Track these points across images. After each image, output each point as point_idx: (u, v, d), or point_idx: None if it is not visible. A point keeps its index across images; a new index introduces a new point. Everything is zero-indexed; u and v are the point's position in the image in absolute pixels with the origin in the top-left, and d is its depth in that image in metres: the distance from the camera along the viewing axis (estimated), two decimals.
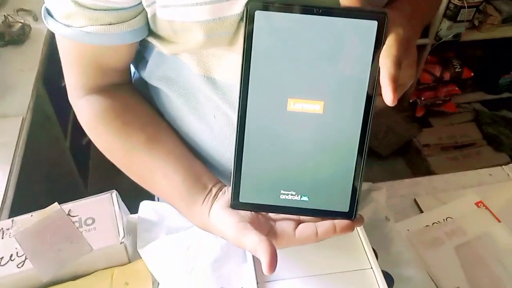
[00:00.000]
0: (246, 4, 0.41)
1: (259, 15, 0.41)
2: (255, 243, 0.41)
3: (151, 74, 0.57)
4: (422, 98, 2.08)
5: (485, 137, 2.09)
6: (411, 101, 2.11)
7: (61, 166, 1.21)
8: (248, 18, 0.41)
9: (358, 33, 0.40)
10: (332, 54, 0.41)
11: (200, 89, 0.54)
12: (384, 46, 0.40)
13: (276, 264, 0.40)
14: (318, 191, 0.45)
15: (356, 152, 0.43)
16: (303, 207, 0.45)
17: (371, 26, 0.40)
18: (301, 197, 0.45)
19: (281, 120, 0.43)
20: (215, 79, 0.51)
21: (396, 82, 0.38)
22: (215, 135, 0.58)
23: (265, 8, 0.41)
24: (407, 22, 0.43)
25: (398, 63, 0.39)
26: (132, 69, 0.63)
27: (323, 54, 0.41)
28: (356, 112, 0.42)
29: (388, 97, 0.38)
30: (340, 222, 0.44)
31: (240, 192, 0.45)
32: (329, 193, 0.45)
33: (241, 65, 0.42)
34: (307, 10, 0.40)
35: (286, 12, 0.41)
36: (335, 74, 0.42)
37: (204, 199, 0.50)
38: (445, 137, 2.07)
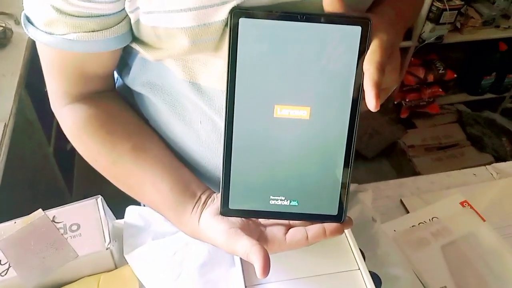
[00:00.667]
0: (230, 12, 0.41)
1: (243, 22, 0.41)
2: (247, 248, 0.41)
3: (135, 80, 0.56)
4: (407, 100, 2.10)
5: (469, 137, 2.12)
6: (395, 102, 2.13)
7: (45, 172, 1.19)
8: (233, 26, 0.41)
9: (342, 39, 0.41)
10: (317, 60, 0.42)
11: (185, 95, 0.53)
12: (368, 52, 0.40)
13: (270, 268, 0.40)
14: (307, 195, 0.45)
15: (343, 156, 0.44)
16: (293, 211, 0.46)
17: (355, 31, 0.41)
18: (290, 202, 0.45)
19: (269, 127, 0.43)
20: (201, 85, 0.51)
21: (378, 88, 0.39)
22: (202, 141, 0.57)
23: (249, 15, 0.41)
24: (390, 26, 0.43)
25: (382, 69, 0.39)
26: (115, 75, 0.62)
27: (308, 60, 0.42)
28: (342, 116, 0.43)
29: (371, 102, 0.39)
30: (330, 225, 0.44)
31: (230, 199, 0.45)
32: (318, 197, 0.45)
33: (227, 72, 0.42)
34: (291, 17, 0.41)
35: (270, 19, 0.41)
36: (320, 80, 0.42)
37: (193, 208, 0.50)
38: (429, 138, 2.10)
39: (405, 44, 1.90)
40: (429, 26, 1.86)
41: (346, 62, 0.41)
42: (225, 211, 0.46)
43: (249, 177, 0.45)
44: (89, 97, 0.55)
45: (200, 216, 0.48)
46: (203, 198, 0.50)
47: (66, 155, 1.35)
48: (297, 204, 0.45)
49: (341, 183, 0.45)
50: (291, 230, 0.45)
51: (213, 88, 0.51)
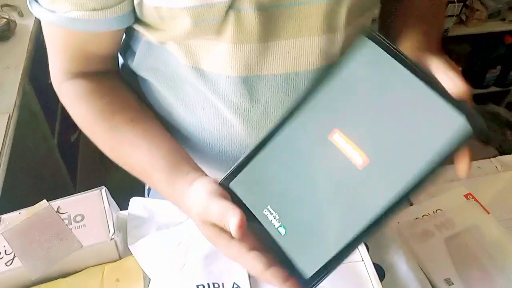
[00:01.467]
0: (361, 30, 0.41)
1: (364, 41, 0.40)
2: (226, 208, 0.39)
3: (139, 65, 0.56)
4: None
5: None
6: None
7: (49, 164, 1.20)
8: (355, 41, 0.40)
9: (442, 117, 0.36)
10: (407, 121, 0.37)
11: (189, 81, 0.53)
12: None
13: (245, 228, 0.38)
14: (298, 235, 0.39)
15: (363, 228, 0.37)
16: (273, 237, 0.40)
17: (456, 119, 0.35)
18: (279, 226, 0.40)
19: (315, 143, 0.40)
20: (204, 70, 0.51)
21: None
22: (204, 127, 0.57)
23: (374, 39, 0.40)
24: (434, 46, 0.44)
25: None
26: (121, 60, 0.62)
27: (399, 114, 0.38)
28: (391, 190, 0.37)
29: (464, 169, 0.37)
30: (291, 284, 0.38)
31: (235, 178, 0.43)
32: (307, 245, 0.39)
33: (324, 73, 0.40)
34: (410, 66, 0.38)
35: (388, 53, 0.39)
36: (396, 141, 0.37)
37: (187, 175, 0.48)
38: None
39: None
40: None
41: (433, 142, 0.36)
42: (224, 183, 0.43)
43: (263, 175, 0.42)
44: (91, 75, 0.55)
45: (193, 180, 0.46)
46: (197, 174, 0.48)
47: (70, 148, 1.35)
48: (283, 233, 0.40)
49: (340, 251, 0.37)
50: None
51: (216, 73, 0.51)
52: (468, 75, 2.19)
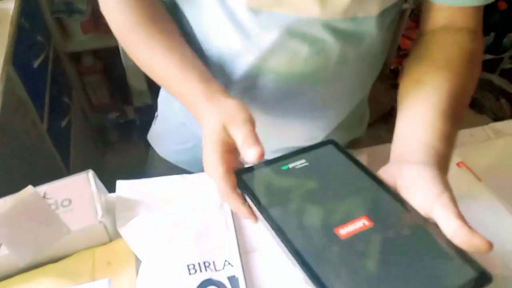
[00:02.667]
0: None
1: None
2: (254, 138, 0.43)
3: None
4: (403, 65, 2.07)
5: None
6: (392, 68, 2.10)
7: (41, 150, 1.18)
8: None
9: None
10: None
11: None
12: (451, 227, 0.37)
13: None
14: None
15: None
16: None
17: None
18: None
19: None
20: None
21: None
22: (204, 17, 0.58)
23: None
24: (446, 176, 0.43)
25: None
26: None
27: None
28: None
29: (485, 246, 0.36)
30: None
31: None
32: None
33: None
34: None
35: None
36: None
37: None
38: None
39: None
40: None
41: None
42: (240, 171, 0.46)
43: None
44: None
45: (229, 97, 0.49)
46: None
47: (62, 133, 1.34)
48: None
49: None
50: None
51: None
52: None
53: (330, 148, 0.48)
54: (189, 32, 0.62)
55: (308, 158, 0.46)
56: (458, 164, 0.70)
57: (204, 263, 0.52)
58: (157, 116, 0.87)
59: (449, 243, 0.37)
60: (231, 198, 0.45)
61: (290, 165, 0.46)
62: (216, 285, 0.50)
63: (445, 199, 0.38)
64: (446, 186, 0.40)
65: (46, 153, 1.22)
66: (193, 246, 0.54)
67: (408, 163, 0.44)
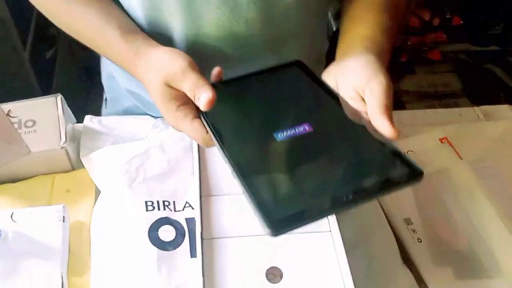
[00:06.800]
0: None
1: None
2: (202, 82, 0.40)
3: None
4: (408, 43, 2.03)
5: (465, 89, 2.07)
6: (396, 45, 2.06)
7: (21, 78, 1.14)
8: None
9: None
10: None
11: None
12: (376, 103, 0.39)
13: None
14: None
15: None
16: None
17: None
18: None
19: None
20: None
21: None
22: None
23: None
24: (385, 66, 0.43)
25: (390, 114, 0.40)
26: None
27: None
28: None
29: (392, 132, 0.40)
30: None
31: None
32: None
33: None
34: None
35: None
36: None
37: (148, 38, 0.47)
38: (426, 84, 2.05)
39: None
40: None
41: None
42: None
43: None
44: None
45: (158, 45, 0.46)
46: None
47: (45, 64, 1.29)
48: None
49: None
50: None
51: None
52: (469, 31, 2.12)
53: (293, 68, 0.48)
54: None
55: (268, 76, 0.47)
56: (441, 140, 0.68)
57: (164, 202, 0.51)
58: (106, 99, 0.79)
59: (386, 144, 0.40)
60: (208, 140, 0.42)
61: (249, 83, 0.46)
62: (172, 225, 0.49)
63: (374, 83, 0.40)
64: (381, 70, 0.41)
65: (26, 82, 1.17)
66: (155, 184, 0.52)
67: (347, 56, 0.45)
